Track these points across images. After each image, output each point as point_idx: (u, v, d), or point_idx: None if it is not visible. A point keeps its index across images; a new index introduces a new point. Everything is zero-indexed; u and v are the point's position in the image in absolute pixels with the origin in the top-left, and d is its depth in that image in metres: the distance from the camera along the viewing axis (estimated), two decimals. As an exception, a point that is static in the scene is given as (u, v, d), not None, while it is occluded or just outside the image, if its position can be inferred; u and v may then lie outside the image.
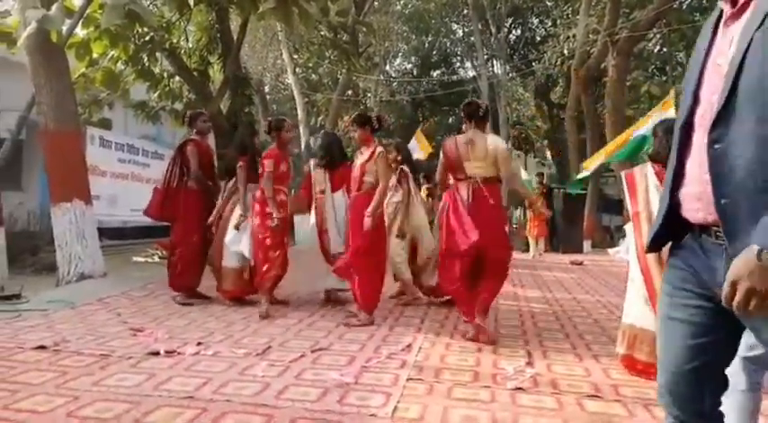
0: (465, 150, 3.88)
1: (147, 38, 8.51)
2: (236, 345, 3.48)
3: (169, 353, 3.21)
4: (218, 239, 4.78)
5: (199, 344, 3.44)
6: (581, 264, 9.69)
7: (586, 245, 13.27)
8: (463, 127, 4.03)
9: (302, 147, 17.44)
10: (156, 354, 3.20)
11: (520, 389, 2.81)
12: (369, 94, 21.95)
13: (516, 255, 10.49)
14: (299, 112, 17.72)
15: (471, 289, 3.84)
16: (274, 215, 4.40)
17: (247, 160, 4.94)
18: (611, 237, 16.36)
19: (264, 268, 4.47)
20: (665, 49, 16.76)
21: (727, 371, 1.53)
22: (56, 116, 5.31)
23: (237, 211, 4.69)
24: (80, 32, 7.32)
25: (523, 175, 12.42)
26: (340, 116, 18.47)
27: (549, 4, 20.85)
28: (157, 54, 8.98)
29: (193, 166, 4.85)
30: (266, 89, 21.54)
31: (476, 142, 3.86)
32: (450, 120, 27.52)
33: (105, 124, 9.07)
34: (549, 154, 26.09)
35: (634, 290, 3.09)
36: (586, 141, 14.89)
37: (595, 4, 14.58)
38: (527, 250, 11.95)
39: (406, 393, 2.70)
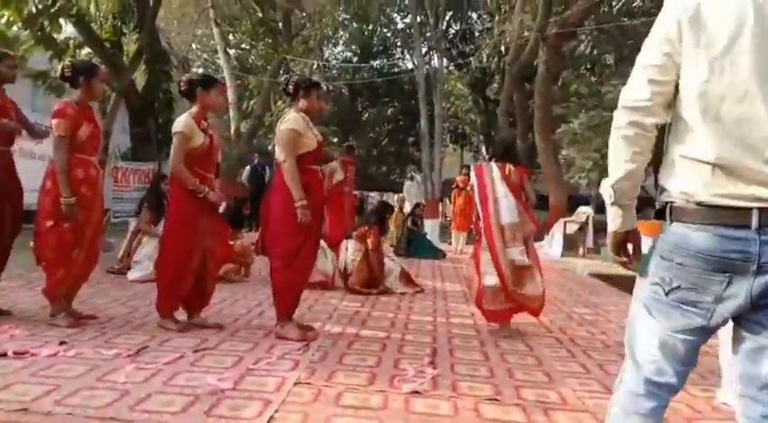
0: (276, 130, 3.57)
1: (49, 2, 7.72)
2: (107, 344, 3.06)
3: (19, 354, 2.76)
4: None
5: (61, 343, 2.99)
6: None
7: (513, 239, 13.45)
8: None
9: (231, 132, 16.76)
10: (4, 355, 2.74)
11: (416, 392, 2.58)
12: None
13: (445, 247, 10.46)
14: (230, 94, 16.95)
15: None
16: (64, 197, 3.29)
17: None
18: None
19: (59, 274, 3.39)
20: (595, 51, 17.21)
21: (631, 391, 1.37)
22: None
23: None
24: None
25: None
26: (273, 101, 17.88)
27: (487, -1, 21.01)
28: (62, 20, 8.18)
29: None
30: (196, 69, 20.55)
31: (281, 122, 3.52)
32: (389, 111, 27.39)
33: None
34: (484, 149, 26.53)
35: (485, 259, 3.82)
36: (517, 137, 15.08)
37: (531, 0, 14.73)
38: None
39: (290, 400, 2.40)
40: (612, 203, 1.34)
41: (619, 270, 8.13)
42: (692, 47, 1.22)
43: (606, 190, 1.34)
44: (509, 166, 3.95)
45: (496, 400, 2.55)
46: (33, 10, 7.40)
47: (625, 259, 1.39)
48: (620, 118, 1.31)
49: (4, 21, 7.42)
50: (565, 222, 10.98)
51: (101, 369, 2.63)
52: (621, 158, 1.30)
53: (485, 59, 19.53)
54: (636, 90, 1.30)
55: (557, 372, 3.04)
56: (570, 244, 10.86)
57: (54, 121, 3.34)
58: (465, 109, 25.83)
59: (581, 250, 10.70)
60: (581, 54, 17.60)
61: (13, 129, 3.62)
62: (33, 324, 3.37)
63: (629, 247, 1.39)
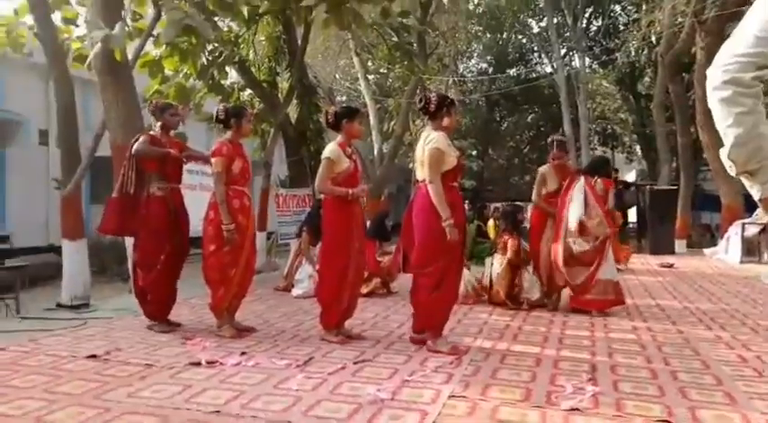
0: (417, 150, 3.64)
1: (217, 53, 8.84)
2: (278, 355, 3.40)
3: (210, 363, 3.18)
4: None
5: (242, 354, 3.39)
6: (671, 266, 8.86)
7: (679, 245, 12.19)
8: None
9: (375, 153, 17.55)
10: (198, 364, 3.18)
11: (576, 410, 2.49)
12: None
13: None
14: (371, 118, 17.82)
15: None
16: (225, 224, 3.75)
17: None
18: (712, 235, 15.02)
19: (221, 292, 3.86)
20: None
21: None
22: (124, 131, 5.54)
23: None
24: (154, 51, 7.75)
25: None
26: (412, 120, 18.39)
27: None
28: (227, 68, 9.29)
29: (145, 152, 4.03)
30: (340, 97, 21.92)
31: (419, 141, 3.61)
32: (529, 118, 26.64)
33: (180, 138, 9.49)
34: (638, 149, 24.54)
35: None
36: (676, 133, 13.75)
37: (683, -16, 13.42)
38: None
39: (445, 413, 2.46)
40: (737, 174, 1.18)
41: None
42: None
43: (725, 161, 1.17)
44: (597, 179, 5.26)
45: (668, 421, 2.36)
46: (205, 62, 8.52)
47: None
48: (713, 77, 1.15)
49: (182, 74, 8.66)
50: (743, 224, 9.73)
51: (276, 377, 2.94)
52: (725, 124, 1.14)
53: (632, 53, 18.13)
54: (736, 45, 1.15)
55: (740, 393, 2.72)
56: (751, 249, 9.58)
57: (213, 160, 3.86)
58: (613, 108, 24.19)
59: (765, 255, 9.38)
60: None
61: (177, 159, 4.17)
62: (221, 337, 3.85)
63: None
